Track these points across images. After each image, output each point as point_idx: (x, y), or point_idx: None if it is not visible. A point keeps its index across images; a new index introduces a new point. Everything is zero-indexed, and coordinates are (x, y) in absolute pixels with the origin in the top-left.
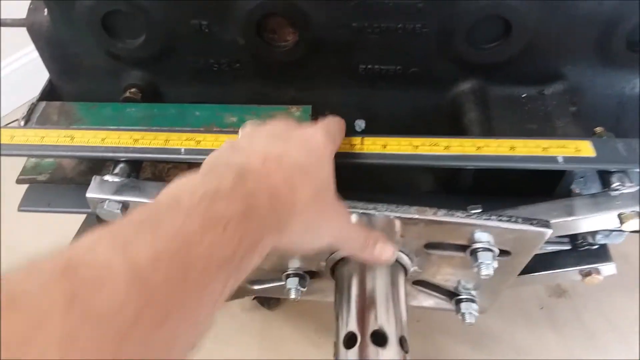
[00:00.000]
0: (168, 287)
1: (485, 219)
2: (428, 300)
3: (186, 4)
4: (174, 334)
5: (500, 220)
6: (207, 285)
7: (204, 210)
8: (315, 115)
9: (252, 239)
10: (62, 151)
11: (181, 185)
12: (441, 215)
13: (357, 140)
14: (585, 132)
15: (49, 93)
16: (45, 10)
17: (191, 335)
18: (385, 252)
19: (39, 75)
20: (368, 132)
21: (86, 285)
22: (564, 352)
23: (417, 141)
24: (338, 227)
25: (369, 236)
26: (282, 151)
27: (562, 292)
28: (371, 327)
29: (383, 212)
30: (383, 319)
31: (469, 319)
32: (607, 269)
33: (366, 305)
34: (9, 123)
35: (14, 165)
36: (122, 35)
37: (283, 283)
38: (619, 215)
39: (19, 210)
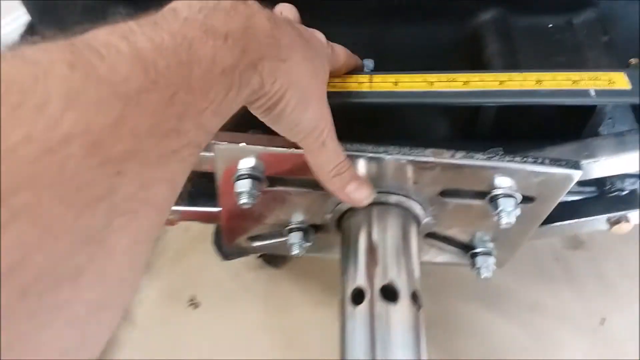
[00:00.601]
0: (173, 74)
1: (508, 161)
2: (441, 255)
3: None
4: (182, 118)
5: (525, 162)
6: (211, 87)
7: (202, 19)
8: None
9: (253, 55)
10: None
11: (178, 1)
12: (459, 158)
13: (365, 77)
14: (619, 64)
15: (28, 35)
16: None
17: (197, 133)
18: (361, 191)
19: None
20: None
21: (88, 54)
22: (582, 306)
23: (432, 77)
24: (322, 122)
25: (345, 163)
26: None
27: (578, 243)
28: (380, 281)
29: (394, 155)
30: (393, 272)
31: (485, 273)
32: (636, 215)
33: (375, 258)
34: None
35: None
36: None
37: (286, 239)
38: None
39: None
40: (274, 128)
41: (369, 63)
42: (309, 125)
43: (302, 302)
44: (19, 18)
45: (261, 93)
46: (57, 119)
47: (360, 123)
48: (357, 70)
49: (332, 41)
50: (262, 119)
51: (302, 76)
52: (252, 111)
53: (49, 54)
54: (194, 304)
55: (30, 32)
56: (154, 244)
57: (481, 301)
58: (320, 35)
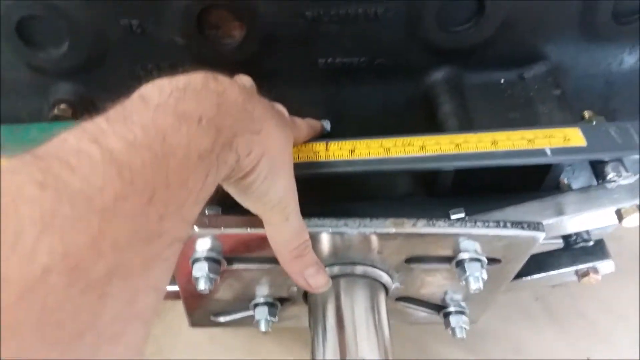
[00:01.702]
0: (149, 171)
1: (470, 227)
2: (414, 316)
3: (111, 1)
4: (163, 217)
5: (488, 226)
6: (189, 176)
7: (174, 104)
8: None
9: (228, 133)
10: None
11: (147, 86)
12: (421, 227)
13: (320, 146)
14: (573, 116)
15: None
16: None
17: (179, 228)
18: (318, 278)
19: None
20: (336, 133)
21: (58, 168)
22: (566, 344)
23: (389, 142)
24: (288, 196)
25: (307, 245)
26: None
27: None
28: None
29: (356, 229)
30: (365, 349)
31: (459, 334)
32: (604, 266)
33: (345, 334)
34: None
35: None
36: (43, 44)
37: (252, 313)
38: (618, 211)
39: None
40: (238, 198)
41: (325, 124)
42: (276, 197)
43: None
44: None
45: (236, 166)
46: (32, 249)
47: (319, 185)
48: (318, 136)
49: (286, 104)
50: (228, 189)
51: (274, 145)
52: (223, 183)
53: (16, 176)
54: None
55: None
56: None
57: (465, 346)
58: (281, 108)
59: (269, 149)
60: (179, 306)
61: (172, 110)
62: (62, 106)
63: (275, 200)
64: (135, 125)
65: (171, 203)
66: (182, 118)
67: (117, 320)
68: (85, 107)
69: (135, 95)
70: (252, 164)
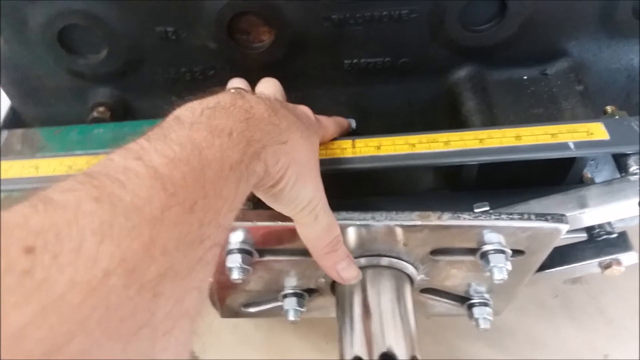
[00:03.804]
0: (189, 183)
1: (494, 219)
2: (438, 308)
3: (147, 10)
4: (203, 224)
5: (512, 218)
6: (224, 186)
7: (206, 121)
8: None
9: (257, 145)
10: (27, 183)
11: (181, 108)
12: (446, 219)
13: (347, 143)
14: (595, 113)
15: (12, 120)
16: None
17: (217, 234)
18: (350, 271)
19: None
20: (361, 131)
21: (110, 184)
22: (584, 342)
23: (414, 139)
24: (317, 197)
25: (339, 240)
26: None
27: (577, 278)
28: (379, 349)
29: (382, 222)
30: (391, 338)
31: (483, 325)
32: (628, 258)
33: (371, 324)
34: None
35: None
36: (82, 51)
37: (280, 304)
38: None
39: None
40: (270, 204)
41: (351, 122)
42: (305, 200)
43: (302, 350)
44: None
45: (264, 175)
46: (94, 255)
47: (347, 181)
48: (345, 133)
49: (314, 103)
50: (260, 196)
51: (301, 154)
52: (254, 190)
53: (75, 193)
54: (193, 357)
55: (13, 115)
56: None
57: (483, 340)
58: (307, 110)
59: (295, 157)
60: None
61: (205, 126)
62: (101, 109)
63: (304, 203)
64: (174, 142)
65: (209, 211)
66: (214, 133)
67: (168, 318)
68: (122, 109)
69: (171, 117)
70: (281, 172)
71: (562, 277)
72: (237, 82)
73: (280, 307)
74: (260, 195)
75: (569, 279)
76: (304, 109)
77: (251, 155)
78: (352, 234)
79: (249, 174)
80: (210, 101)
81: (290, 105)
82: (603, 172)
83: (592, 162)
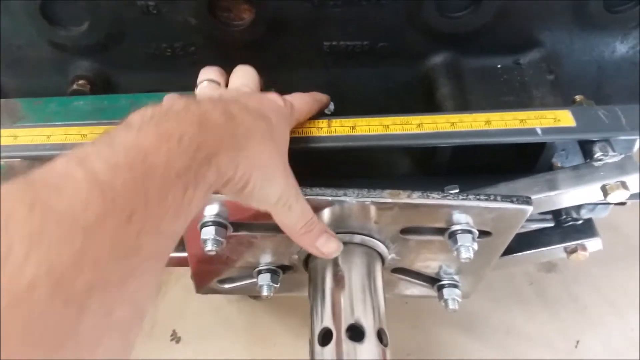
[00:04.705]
0: (129, 190)
1: (462, 199)
2: (409, 289)
3: None
4: (141, 233)
5: (478, 199)
6: (168, 193)
7: (155, 125)
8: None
9: (208, 151)
10: (6, 152)
11: (132, 114)
12: (416, 198)
13: (323, 122)
14: (565, 101)
15: None
16: None
17: (158, 243)
18: (329, 245)
19: None
20: (338, 113)
21: (46, 191)
22: (557, 328)
23: (388, 120)
24: (287, 191)
25: (313, 221)
26: (242, 98)
27: (551, 266)
28: (347, 321)
29: (354, 198)
30: (360, 311)
31: (452, 305)
32: (592, 244)
33: (341, 298)
34: None
35: None
36: (64, 23)
37: (255, 280)
38: (603, 187)
39: None
40: (242, 203)
41: (329, 104)
42: (275, 196)
43: (282, 335)
44: None
45: (226, 180)
46: (21, 264)
47: (323, 161)
48: (324, 108)
49: (292, 84)
50: (231, 197)
51: (263, 157)
52: (223, 193)
53: (9, 200)
54: (175, 338)
55: None
56: None
57: (458, 326)
58: (276, 98)
59: (257, 161)
60: (188, 280)
61: (154, 131)
62: (81, 82)
63: (274, 200)
64: (119, 147)
65: (150, 219)
66: (163, 137)
67: (95, 331)
68: (102, 83)
69: (122, 123)
70: (245, 177)
71: (529, 261)
72: (210, 73)
73: (255, 283)
74: (231, 197)
75: (544, 268)
76: (272, 99)
77: (201, 161)
78: (325, 210)
79: (197, 180)
80: (163, 106)
81: (256, 98)
82: (573, 163)
83: (563, 152)
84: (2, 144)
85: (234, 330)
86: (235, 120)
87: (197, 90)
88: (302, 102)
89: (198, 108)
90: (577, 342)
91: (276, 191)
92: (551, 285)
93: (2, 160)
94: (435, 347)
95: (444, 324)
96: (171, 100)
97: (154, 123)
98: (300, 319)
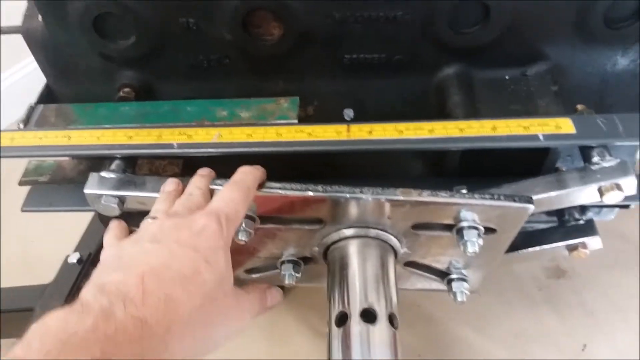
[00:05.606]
0: None
1: (468, 198)
2: (421, 282)
3: (173, 3)
4: None
5: (483, 198)
6: None
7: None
8: (305, 105)
9: None
10: (60, 151)
11: (38, 325)
12: (426, 196)
13: (342, 127)
14: (567, 111)
15: (47, 96)
16: (40, 15)
17: None
18: (275, 298)
19: (39, 86)
20: (357, 120)
21: None
22: (564, 333)
23: (402, 126)
24: (240, 312)
25: (263, 295)
26: (165, 261)
27: (561, 272)
28: (361, 305)
29: (370, 195)
30: (373, 297)
31: (460, 298)
32: (592, 242)
33: (356, 285)
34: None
35: (16, 168)
36: (113, 37)
37: (278, 270)
38: (599, 189)
39: (22, 210)
40: None
41: (349, 112)
42: (226, 339)
43: (302, 332)
44: (23, 68)
45: None
46: None
47: (341, 165)
48: (261, 182)
49: (315, 93)
50: None
51: (195, 334)
52: None
53: None
54: None
55: (47, 92)
56: None
57: (470, 327)
58: (206, 226)
59: (190, 345)
60: None
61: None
62: (126, 90)
63: (232, 337)
64: None
65: None
66: None
67: None
68: (145, 91)
69: (23, 339)
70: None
71: (533, 258)
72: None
73: (278, 273)
74: None
75: (554, 274)
76: (203, 231)
77: None
78: (343, 206)
79: None
80: (66, 329)
81: (184, 250)
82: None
83: (569, 157)
84: (57, 143)
85: (256, 328)
86: (152, 330)
87: (141, 225)
88: (232, 203)
89: (107, 327)
90: (584, 345)
91: (222, 339)
92: (560, 291)
93: (54, 159)
94: (446, 348)
95: (457, 323)
96: (79, 319)
97: (53, 356)
98: (317, 316)
